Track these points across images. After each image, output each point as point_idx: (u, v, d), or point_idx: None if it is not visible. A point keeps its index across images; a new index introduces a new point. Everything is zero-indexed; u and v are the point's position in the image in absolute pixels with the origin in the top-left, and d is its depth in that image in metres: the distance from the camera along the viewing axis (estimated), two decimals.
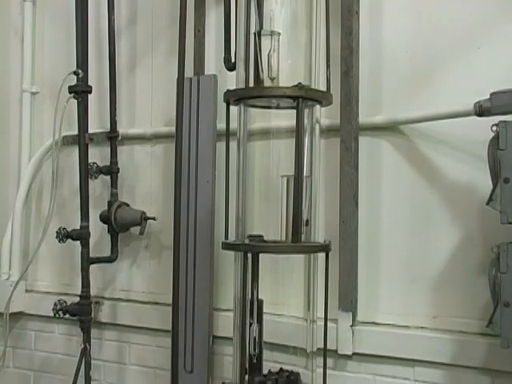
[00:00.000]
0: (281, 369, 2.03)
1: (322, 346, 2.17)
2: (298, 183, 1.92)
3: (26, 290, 3.28)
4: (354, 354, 2.46)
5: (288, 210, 2.00)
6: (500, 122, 1.95)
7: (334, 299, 2.42)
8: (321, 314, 2.19)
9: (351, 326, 2.44)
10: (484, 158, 2.04)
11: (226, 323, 2.63)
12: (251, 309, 2.00)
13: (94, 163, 2.99)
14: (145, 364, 2.98)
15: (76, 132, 2.95)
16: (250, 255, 1.95)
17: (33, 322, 3.29)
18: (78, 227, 2.91)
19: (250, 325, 1.99)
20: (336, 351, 2.46)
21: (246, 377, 1.97)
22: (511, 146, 1.91)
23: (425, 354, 2.33)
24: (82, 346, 2.97)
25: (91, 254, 2.95)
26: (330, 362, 2.36)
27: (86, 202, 2.93)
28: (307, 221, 2.01)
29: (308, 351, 2.17)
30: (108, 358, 3.09)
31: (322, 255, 2.14)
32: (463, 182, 2.32)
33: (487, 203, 1.96)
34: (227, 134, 2.27)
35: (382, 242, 2.47)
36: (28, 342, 3.31)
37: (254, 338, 1.98)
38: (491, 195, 1.95)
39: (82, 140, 2.93)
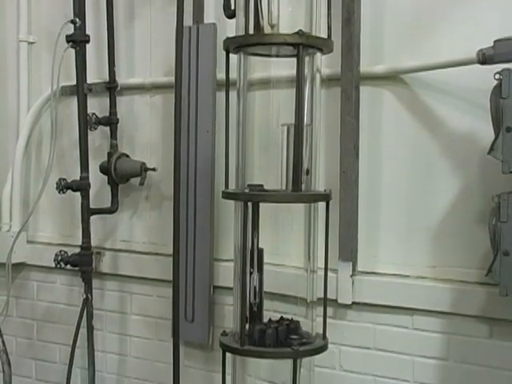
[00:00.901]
0: (281, 317, 2.04)
1: (322, 295, 2.18)
2: (298, 131, 1.90)
3: (28, 241, 3.29)
4: (354, 303, 2.48)
5: (288, 159, 1.99)
6: (503, 69, 1.93)
7: (334, 249, 2.43)
8: (321, 263, 2.20)
9: (351, 275, 2.46)
10: (486, 108, 2.02)
11: (226, 273, 2.64)
12: (251, 258, 2.01)
13: (93, 114, 2.96)
14: (146, 314, 3.01)
15: (74, 82, 2.92)
16: (250, 204, 1.95)
17: (35, 273, 3.31)
18: (78, 178, 2.91)
19: (251, 274, 2.00)
20: (336, 301, 2.48)
21: (247, 325, 1.98)
22: None
23: (424, 303, 2.35)
24: (84, 296, 2.99)
25: (91, 206, 2.96)
26: (329, 311, 2.38)
27: (85, 153, 2.92)
28: (307, 170, 2.00)
29: (308, 301, 2.19)
30: (110, 307, 3.11)
31: (322, 205, 2.14)
32: (464, 131, 2.30)
33: (488, 153, 1.95)
34: (227, 84, 2.25)
35: (383, 192, 2.46)
36: (30, 292, 3.33)
37: (255, 287, 1.99)
38: (493, 144, 1.94)
39: (81, 90, 2.90)
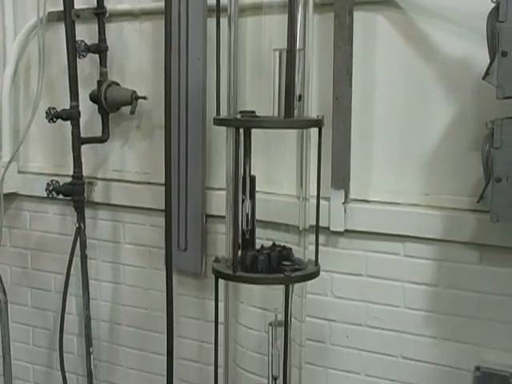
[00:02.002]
0: (273, 244, 2.05)
1: (314, 223, 2.19)
2: (290, 56, 1.87)
3: (19, 172, 3.28)
4: (346, 230, 2.49)
5: (280, 84, 1.96)
6: None
7: (327, 177, 2.43)
8: (313, 191, 2.20)
9: (343, 203, 2.46)
10: (482, 32, 1.97)
11: (218, 202, 2.64)
12: (243, 185, 2.01)
13: (81, 41, 2.90)
14: (139, 243, 3.03)
15: (61, 8, 2.85)
16: (241, 131, 1.94)
17: (27, 203, 3.31)
18: (68, 107, 2.88)
19: (243, 201, 2.00)
20: (328, 228, 2.50)
21: (239, 252, 1.99)
22: (511, 17, 1.85)
23: (415, 230, 2.37)
24: (77, 225, 3.01)
25: (82, 135, 2.93)
26: (321, 238, 2.39)
27: (74, 82, 2.88)
28: (300, 96, 1.97)
29: (300, 228, 2.19)
30: (102, 237, 3.13)
31: (314, 132, 2.13)
32: (459, 57, 2.26)
33: (483, 78, 1.92)
34: (218, 10, 2.21)
35: (376, 119, 2.44)
36: (23, 222, 3.34)
37: (247, 214, 1.99)
38: (488, 69, 1.91)
39: (68, 16, 2.84)
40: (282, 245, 2.05)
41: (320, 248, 2.22)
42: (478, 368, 2.29)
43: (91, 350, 3.14)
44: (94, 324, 3.17)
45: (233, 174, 1.98)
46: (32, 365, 3.43)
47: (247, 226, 2.00)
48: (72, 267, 3.06)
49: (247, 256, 1.94)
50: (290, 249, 2.05)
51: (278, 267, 1.93)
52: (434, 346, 2.40)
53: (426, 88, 2.34)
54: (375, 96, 2.43)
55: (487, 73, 1.90)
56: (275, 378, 2.06)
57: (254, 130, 2.05)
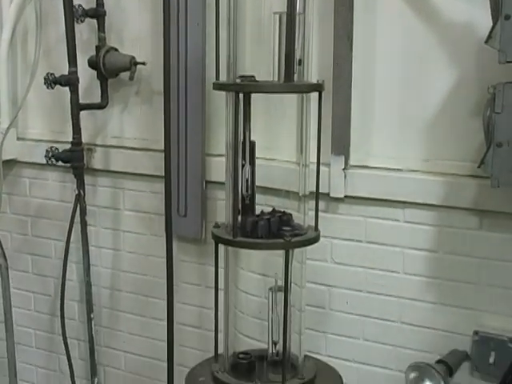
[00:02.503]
0: (273, 209, 2.05)
1: (314, 189, 2.18)
2: (290, 19, 1.85)
3: (18, 138, 3.26)
4: (346, 196, 2.49)
5: (280, 48, 1.94)
6: None
7: (327, 143, 2.42)
8: (313, 158, 2.19)
9: (343, 169, 2.46)
10: None
11: (218, 168, 2.63)
12: (243, 150, 1.99)
13: (79, 6, 2.86)
14: (139, 209, 3.03)
15: None
16: (241, 95, 1.92)
17: (26, 170, 3.30)
18: (67, 73, 2.85)
19: (243, 166, 1.98)
20: (328, 194, 2.49)
21: (239, 217, 1.99)
22: None
23: (415, 196, 2.36)
24: (76, 192, 3.00)
25: (81, 101, 2.91)
26: (321, 204, 2.38)
27: (73, 47, 2.85)
28: (300, 60, 1.95)
29: (300, 194, 2.19)
30: (102, 203, 3.13)
31: (315, 97, 2.11)
32: (461, 20, 2.24)
33: (486, 41, 1.90)
34: None
35: (377, 84, 2.42)
36: (23, 189, 3.33)
37: (247, 180, 1.98)
38: (490, 33, 1.88)
39: None
40: (282, 210, 2.04)
41: (320, 214, 2.22)
42: (476, 332, 2.31)
43: (92, 315, 3.16)
44: (94, 290, 3.18)
45: (232, 139, 1.96)
46: (34, 330, 3.45)
47: (247, 191, 1.99)
48: (72, 234, 3.06)
49: (247, 221, 1.94)
50: (290, 214, 2.04)
51: (278, 233, 1.93)
52: (433, 311, 2.41)
53: (427, 53, 2.31)
54: (376, 61, 2.41)
55: (490, 36, 1.88)
56: (275, 343, 2.08)
57: (253, 96, 2.03)
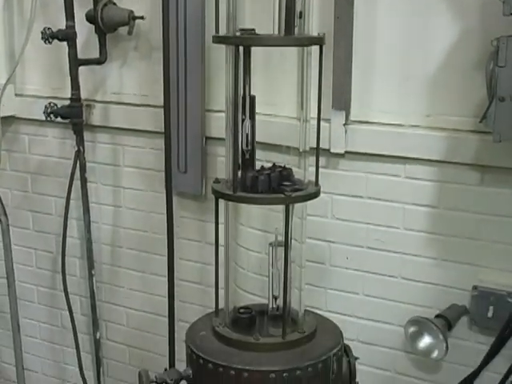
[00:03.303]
0: (273, 164, 2.03)
1: (314, 145, 2.17)
2: None
3: (16, 94, 3.23)
4: (347, 152, 2.48)
5: (281, 1, 1.91)
6: None
7: (328, 98, 2.40)
8: (314, 113, 2.17)
9: (344, 124, 2.44)
10: None
11: (218, 124, 2.62)
12: (243, 105, 1.97)
13: None
14: (139, 165, 3.02)
15: None
16: (241, 49, 1.89)
17: (25, 126, 3.28)
18: (64, 28, 2.81)
19: (243, 121, 1.97)
20: (329, 150, 2.48)
21: (239, 173, 1.98)
22: None
23: (417, 152, 2.36)
24: (76, 148, 3.00)
25: (79, 56, 2.88)
26: (322, 160, 2.37)
27: (70, 1, 2.80)
28: (301, 13, 1.92)
29: (301, 150, 2.17)
30: (102, 160, 3.11)
31: (315, 52, 2.07)
32: None
33: (480, 121, 1.90)
34: None
35: (378, 37, 2.38)
36: (22, 145, 3.32)
37: (247, 134, 1.96)
38: (485, 113, 1.88)
39: None
40: (283, 165, 2.03)
41: (320, 170, 2.20)
42: (475, 287, 2.32)
43: (93, 272, 3.18)
44: (95, 247, 3.20)
45: (232, 93, 1.94)
46: (36, 286, 3.48)
47: (247, 146, 1.97)
48: (72, 191, 3.06)
49: (247, 176, 1.92)
50: (291, 169, 2.03)
51: (279, 188, 1.92)
52: (433, 266, 2.42)
53: (429, 6, 2.28)
54: (377, 14, 2.37)
55: (484, 117, 1.87)
56: (275, 298, 2.08)
57: (253, 50, 2.00)
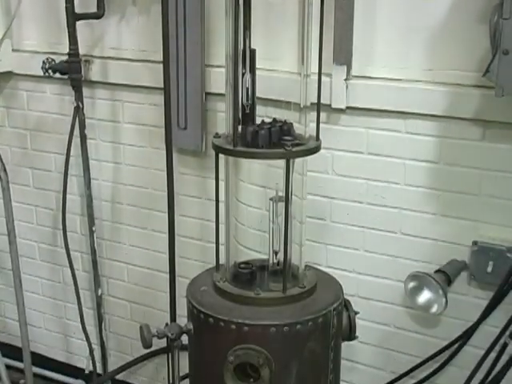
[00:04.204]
0: (274, 119, 2.02)
1: (315, 100, 2.15)
2: None
3: (13, 50, 3.19)
4: (348, 107, 2.46)
5: None
6: None
7: (329, 53, 2.37)
8: (315, 68, 2.14)
9: (345, 79, 2.42)
10: None
11: (218, 79, 2.59)
12: (243, 58, 1.95)
13: None
14: (139, 122, 3.00)
15: None
16: (241, 1, 1.86)
17: (23, 82, 3.25)
18: None
19: (243, 75, 1.94)
20: (329, 105, 2.46)
21: (239, 127, 1.97)
22: None
23: (418, 107, 2.34)
24: (75, 104, 2.97)
25: (77, 11, 2.84)
26: (323, 116, 2.36)
27: None
28: None
29: (301, 105, 2.15)
30: (101, 116, 3.09)
31: (316, 5, 2.05)
32: None
33: (484, 75, 1.87)
34: None
35: None
36: (20, 102, 3.29)
37: (247, 88, 1.95)
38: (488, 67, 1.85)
39: None
40: (283, 120, 2.01)
41: (321, 126, 2.18)
42: (475, 243, 2.33)
43: (94, 228, 3.19)
44: (95, 203, 3.20)
45: (232, 46, 1.91)
46: (37, 243, 3.49)
47: (247, 100, 1.96)
48: (72, 147, 3.05)
49: (247, 131, 1.91)
50: (291, 124, 2.01)
51: (279, 142, 1.91)
52: (433, 222, 2.42)
53: None
54: None
55: (487, 70, 1.84)
56: (276, 253, 2.09)
57: (254, 2, 1.97)
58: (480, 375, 2.40)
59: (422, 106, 2.32)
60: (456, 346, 2.45)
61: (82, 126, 3.01)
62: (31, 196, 3.41)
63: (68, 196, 3.12)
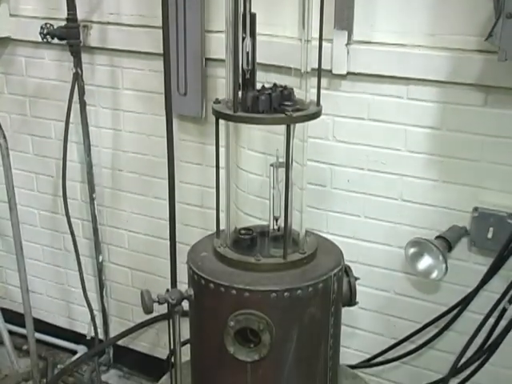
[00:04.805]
0: (274, 84, 2.00)
1: (316, 66, 2.13)
2: None
3: (11, 15, 3.16)
4: (349, 73, 2.44)
5: None
6: None
7: (330, 18, 2.34)
8: (316, 33, 2.12)
9: (346, 44, 2.39)
10: None
11: (218, 45, 2.58)
12: (243, 23, 1.92)
13: None
14: (138, 88, 2.98)
15: None
16: None
17: (22, 48, 3.22)
18: None
19: (243, 39, 1.92)
20: (330, 71, 2.44)
21: (240, 93, 1.95)
22: None
23: (420, 72, 2.32)
24: (74, 70, 2.95)
25: None
26: (323, 82, 2.33)
27: None
28: None
29: (302, 71, 2.13)
30: (101, 83, 3.07)
31: None
32: None
33: (486, 39, 1.85)
34: None
35: None
36: (19, 68, 3.26)
37: (247, 53, 1.92)
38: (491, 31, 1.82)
39: None
40: (284, 85, 1.99)
41: (322, 92, 2.16)
42: (476, 209, 2.33)
43: (94, 195, 3.19)
44: (95, 171, 3.20)
45: (232, 10, 1.89)
46: (38, 210, 3.49)
47: (247, 65, 1.93)
48: (71, 114, 3.04)
49: (248, 96, 1.89)
50: (292, 89, 1.99)
51: (280, 107, 1.89)
52: (434, 188, 2.41)
53: None
54: None
55: (490, 34, 1.80)
56: (276, 219, 2.08)
57: None
58: (479, 340, 2.42)
59: (425, 72, 2.30)
60: (455, 311, 2.47)
61: (82, 93, 3.00)
62: (31, 163, 3.40)
63: (68, 163, 3.12)
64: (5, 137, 2.75)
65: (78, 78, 2.95)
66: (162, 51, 2.47)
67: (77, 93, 2.98)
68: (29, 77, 3.26)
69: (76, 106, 3.03)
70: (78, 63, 2.94)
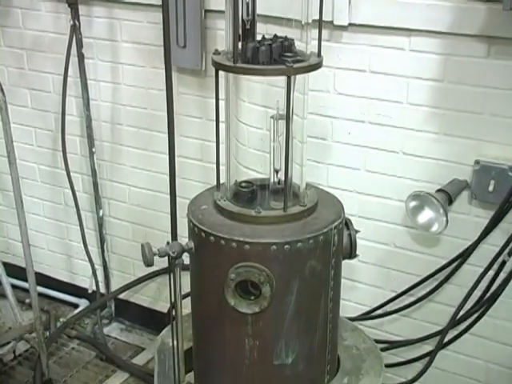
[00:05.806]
0: (275, 35, 1.96)
1: (317, 17, 2.09)
2: None
3: None
4: (350, 24, 2.40)
5: None
6: None
7: None
8: None
9: None
10: None
11: None
12: None
13: None
14: (137, 41, 2.94)
15: None
16: None
17: (17, 0, 3.17)
18: None
19: None
20: (331, 22, 2.40)
21: (240, 44, 1.92)
22: None
23: (422, 23, 2.28)
24: (71, 22, 2.91)
25: None
26: (324, 33, 2.29)
27: None
28: None
29: (303, 22, 2.10)
30: (99, 35, 3.03)
31: None
32: None
33: None
34: None
35: None
36: (15, 20, 3.22)
37: (247, 3, 1.89)
38: None
39: None
40: (284, 36, 1.96)
41: (323, 43, 2.12)
42: (477, 162, 2.32)
43: (94, 150, 3.18)
44: (95, 125, 3.18)
45: None
46: (37, 165, 3.49)
47: (247, 15, 1.90)
48: (70, 67, 3.01)
49: (247, 47, 1.86)
50: (292, 40, 1.96)
51: (280, 59, 1.86)
52: (436, 141, 2.40)
53: None
54: None
55: None
56: (277, 171, 2.07)
57: None
58: (478, 293, 2.44)
59: (427, 22, 2.26)
60: (455, 264, 2.47)
61: (80, 46, 2.96)
62: (30, 117, 3.38)
63: (67, 117, 3.10)
64: (2, 90, 2.72)
65: (75, 30, 2.92)
66: (160, 2, 2.43)
67: (75, 46, 2.95)
68: (26, 29, 3.22)
69: (74, 60, 3.00)
70: (75, 15, 2.90)
